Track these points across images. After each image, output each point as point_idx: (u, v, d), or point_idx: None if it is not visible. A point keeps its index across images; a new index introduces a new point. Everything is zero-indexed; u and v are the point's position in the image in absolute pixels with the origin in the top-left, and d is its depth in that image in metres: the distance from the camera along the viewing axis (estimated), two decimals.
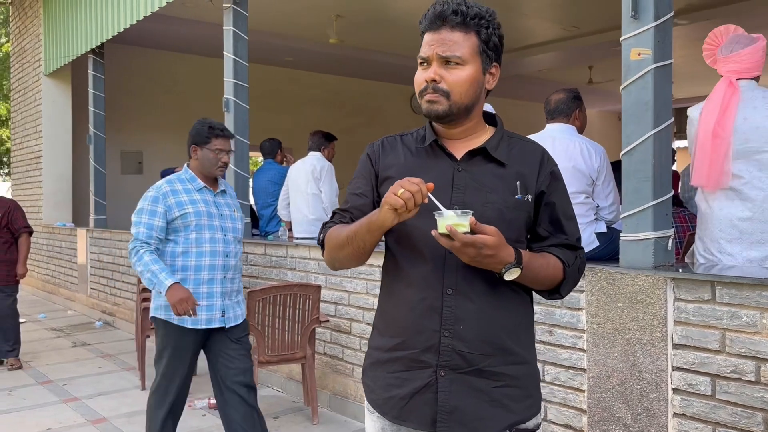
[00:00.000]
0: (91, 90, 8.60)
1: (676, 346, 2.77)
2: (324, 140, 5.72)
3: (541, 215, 1.59)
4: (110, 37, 7.69)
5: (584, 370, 3.10)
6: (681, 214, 3.96)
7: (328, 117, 12.76)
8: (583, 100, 3.67)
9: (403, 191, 1.33)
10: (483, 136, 1.61)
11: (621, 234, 3.06)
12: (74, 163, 10.20)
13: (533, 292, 1.63)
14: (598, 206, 3.43)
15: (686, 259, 3.22)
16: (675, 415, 2.77)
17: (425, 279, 1.51)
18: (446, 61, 1.50)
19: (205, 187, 3.31)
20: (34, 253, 10.46)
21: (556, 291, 1.59)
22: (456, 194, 1.52)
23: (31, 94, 10.64)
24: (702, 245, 3.01)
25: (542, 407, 1.66)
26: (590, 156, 3.35)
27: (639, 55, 3.01)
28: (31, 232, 5.94)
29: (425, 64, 1.54)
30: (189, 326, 3.16)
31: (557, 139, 3.44)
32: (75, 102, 10.11)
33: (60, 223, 9.82)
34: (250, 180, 6.16)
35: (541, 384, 3.24)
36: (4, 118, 17.81)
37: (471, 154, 1.56)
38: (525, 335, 1.58)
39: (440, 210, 1.38)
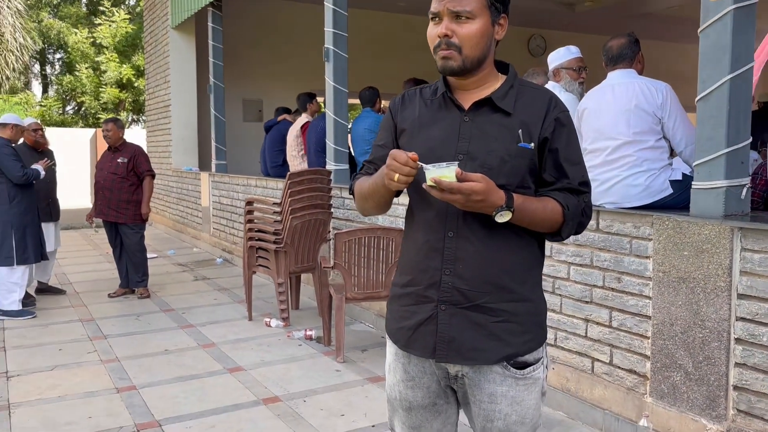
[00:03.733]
0: (210, 41, 9.13)
1: (740, 296, 2.73)
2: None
3: (545, 161, 1.64)
4: None
5: (649, 317, 3.12)
6: None
7: None
8: None
9: (399, 177, 1.51)
10: (494, 85, 1.66)
11: (692, 182, 3.00)
12: (199, 111, 10.92)
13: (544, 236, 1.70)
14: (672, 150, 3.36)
15: None
16: (736, 364, 2.75)
17: (430, 223, 1.65)
18: (457, 16, 1.57)
19: None
20: (165, 194, 11.40)
21: (557, 233, 1.66)
22: (461, 144, 1.61)
23: (160, 46, 11.41)
24: None
25: (543, 340, 1.75)
26: (652, 94, 3.26)
27: None
28: (153, 176, 6.53)
29: (436, 19, 1.61)
30: None
31: (616, 85, 3.38)
32: (198, 53, 10.75)
33: (187, 167, 10.61)
34: (349, 127, 6.40)
35: (608, 329, 3.31)
36: (142, 69, 19.13)
37: (478, 105, 1.63)
38: (528, 275, 1.66)
39: (426, 166, 1.49)
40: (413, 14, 12.37)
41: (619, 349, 3.28)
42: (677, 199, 3.26)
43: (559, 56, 4.12)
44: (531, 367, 1.67)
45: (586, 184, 1.67)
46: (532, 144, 1.61)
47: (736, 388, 2.76)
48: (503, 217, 1.53)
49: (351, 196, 1.85)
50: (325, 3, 6.00)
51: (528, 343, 1.66)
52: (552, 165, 1.64)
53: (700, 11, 2.95)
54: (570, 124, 1.67)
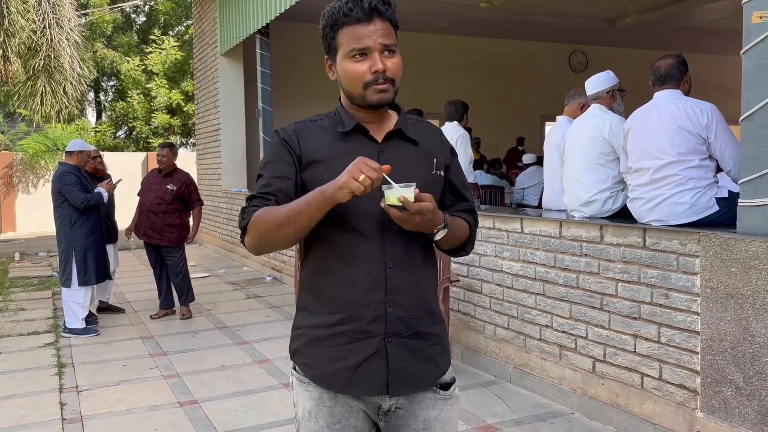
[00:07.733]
0: (258, 67, 9.43)
1: None
2: (465, 110, 5.97)
3: (445, 187, 1.76)
4: (274, 17, 8.32)
5: (698, 333, 3.16)
6: None
7: (482, 80, 12.87)
8: None
9: (364, 177, 1.42)
10: (391, 118, 1.71)
11: (738, 200, 3.06)
12: (247, 134, 11.25)
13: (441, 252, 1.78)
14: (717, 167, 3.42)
15: None
16: None
17: (367, 255, 1.60)
18: (386, 49, 1.58)
19: None
20: (215, 215, 11.73)
21: (462, 248, 1.77)
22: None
23: (209, 72, 11.81)
24: None
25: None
26: (696, 115, 3.33)
27: (760, 18, 2.96)
28: (202, 203, 6.82)
29: (363, 56, 1.57)
30: None
31: (661, 106, 3.46)
32: (245, 77, 11.09)
33: (237, 188, 10.92)
34: None
35: (657, 345, 3.37)
36: (191, 94, 19.72)
37: (389, 136, 1.67)
38: (436, 296, 1.75)
39: (390, 185, 1.48)
40: (454, 35, 12.58)
41: (668, 365, 3.33)
42: (723, 216, 3.31)
43: (602, 81, 4.22)
44: (453, 386, 1.74)
45: (473, 204, 1.84)
46: (441, 171, 1.73)
47: None
48: (441, 234, 1.61)
49: (240, 232, 1.65)
50: None
51: (447, 362, 1.74)
52: (450, 190, 1.78)
53: (743, 24, 3.03)
54: (456, 155, 1.83)
